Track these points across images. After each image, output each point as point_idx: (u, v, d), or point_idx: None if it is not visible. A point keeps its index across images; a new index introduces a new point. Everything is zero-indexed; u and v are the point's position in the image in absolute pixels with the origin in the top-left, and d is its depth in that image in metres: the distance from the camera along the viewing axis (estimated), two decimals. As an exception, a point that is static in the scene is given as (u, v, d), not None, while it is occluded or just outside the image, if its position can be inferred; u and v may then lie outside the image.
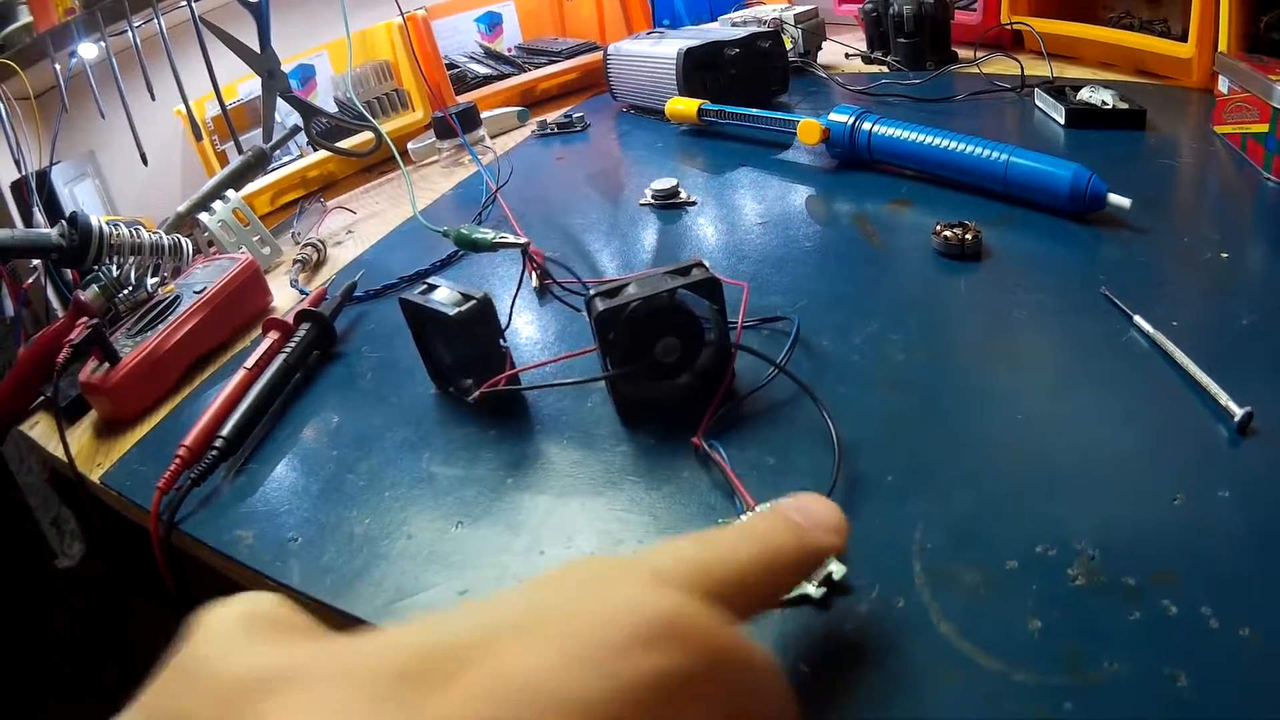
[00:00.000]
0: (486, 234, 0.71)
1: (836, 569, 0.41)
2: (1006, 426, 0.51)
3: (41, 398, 0.89)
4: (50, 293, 1.23)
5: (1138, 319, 0.57)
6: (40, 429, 0.85)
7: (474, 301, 0.59)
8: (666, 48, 1.20)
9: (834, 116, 0.92)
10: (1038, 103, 1.02)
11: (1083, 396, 0.52)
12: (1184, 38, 0.98)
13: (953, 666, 0.36)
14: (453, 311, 0.58)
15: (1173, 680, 0.34)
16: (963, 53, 1.28)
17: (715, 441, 0.52)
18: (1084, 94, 0.96)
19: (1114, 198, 0.70)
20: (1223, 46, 0.91)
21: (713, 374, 0.57)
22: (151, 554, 0.64)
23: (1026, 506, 0.44)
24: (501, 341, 0.62)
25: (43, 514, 1.28)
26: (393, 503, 0.56)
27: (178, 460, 0.63)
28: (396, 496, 0.57)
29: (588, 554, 0.48)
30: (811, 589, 0.41)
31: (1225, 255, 0.64)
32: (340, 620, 0.49)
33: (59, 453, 0.75)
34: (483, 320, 0.60)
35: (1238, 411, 0.46)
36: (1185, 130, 0.90)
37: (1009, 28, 1.24)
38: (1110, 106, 0.92)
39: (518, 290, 0.75)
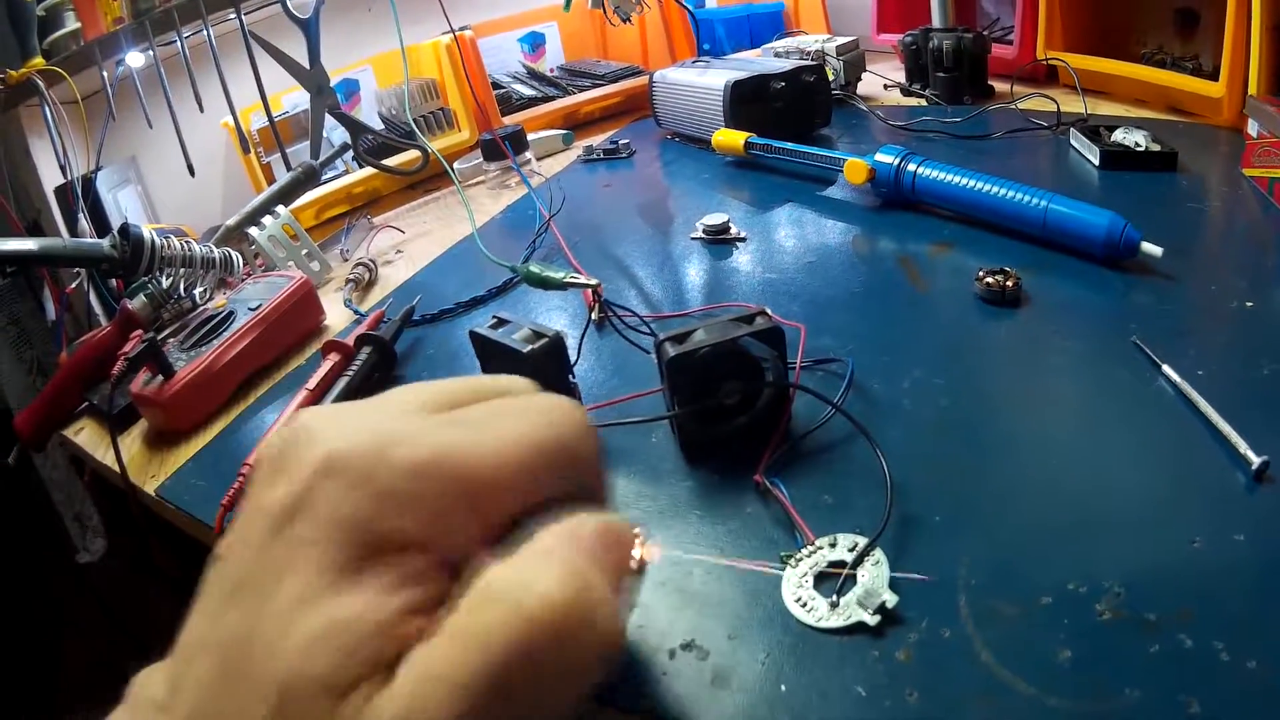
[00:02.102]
0: (557, 274, 0.74)
1: (890, 598, 0.46)
2: (1043, 470, 0.55)
3: (85, 404, 0.93)
4: (93, 298, 1.29)
5: (1166, 368, 0.60)
6: (86, 436, 0.89)
7: (546, 340, 0.62)
8: (712, 78, 1.24)
9: (880, 157, 0.95)
10: (1073, 142, 1.05)
11: (1113, 442, 0.56)
12: (1215, 75, 1.02)
13: (993, 692, 0.40)
14: (526, 349, 0.62)
15: (1185, 707, 0.38)
16: (999, 86, 1.32)
17: (776, 479, 0.56)
18: (1118, 135, 0.99)
19: (1146, 246, 0.74)
20: (1253, 86, 0.95)
21: (772, 414, 0.60)
22: (188, 557, 0.69)
23: (1060, 546, 0.48)
24: (571, 378, 0.66)
25: (65, 509, 1.34)
26: None
27: (241, 479, 0.67)
28: None
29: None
30: (868, 616, 0.45)
31: (1250, 304, 0.68)
32: None
33: (108, 460, 0.79)
34: (554, 358, 0.63)
35: (1255, 460, 0.50)
36: (1215, 172, 0.93)
37: (1044, 63, 1.27)
38: (1143, 148, 0.96)
39: (586, 328, 0.79)
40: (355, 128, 1.26)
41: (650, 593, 0.51)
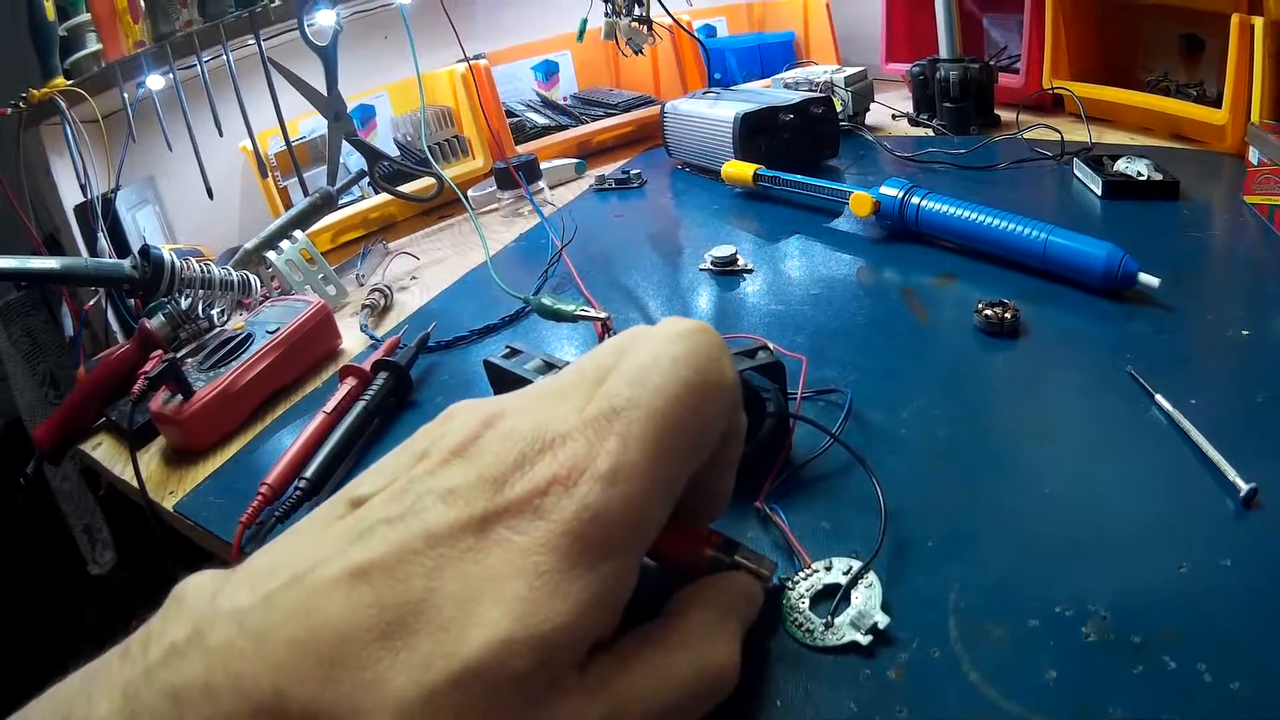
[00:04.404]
0: (568, 306, 0.77)
1: (882, 619, 0.48)
2: (1034, 498, 0.56)
3: (103, 419, 0.96)
4: (111, 316, 1.31)
5: (1159, 398, 0.61)
6: (103, 451, 0.92)
7: (557, 370, 0.65)
8: (723, 110, 1.26)
9: (885, 190, 0.97)
10: (1076, 172, 1.07)
11: (1104, 471, 0.58)
12: (1219, 101, 1.04)
13: (980, 711, 0.42)
14: (537, 380, 0.64)
15: None
16: (1005, 115, 1.34)
17: (776, 505, 0.58)
18: (1120, 165, 1.01)
19: (1144, 277, 0.75)
20: (1255, 113, 0.97)
21: (773, 444, 0.62)
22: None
23: (1048, 571, 0.50)
24: None
25: (75, 520, 1.36)
26: None
27: (260, 497, 0.70)
28: None
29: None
30: (860, 636, 0.47)
31: (1246, 333, 0.69)
32: None
33: (126, 475, 0.82)
34: None
35: (1243, 487, 0.52)
36: (1217, 199, 0.95)
37: (1051, 92, 1.30)
38: (1145, 178, 0.98)
39: None
40: (372, 154, 1.29)
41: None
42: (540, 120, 1.62)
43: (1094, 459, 0.60)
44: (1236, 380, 0.65)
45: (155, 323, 0.96)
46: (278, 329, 0.92)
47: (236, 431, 0.86)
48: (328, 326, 0.98)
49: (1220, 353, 0.69)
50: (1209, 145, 1.09)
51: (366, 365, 0.84)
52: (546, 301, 0.78)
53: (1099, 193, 1.00)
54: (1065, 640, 0.45)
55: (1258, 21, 0.95)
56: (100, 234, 1.34)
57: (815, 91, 1.37)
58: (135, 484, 0.78)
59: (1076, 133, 1.18)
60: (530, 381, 0.65)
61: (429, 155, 1.29)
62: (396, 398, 0.83)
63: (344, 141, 1.27)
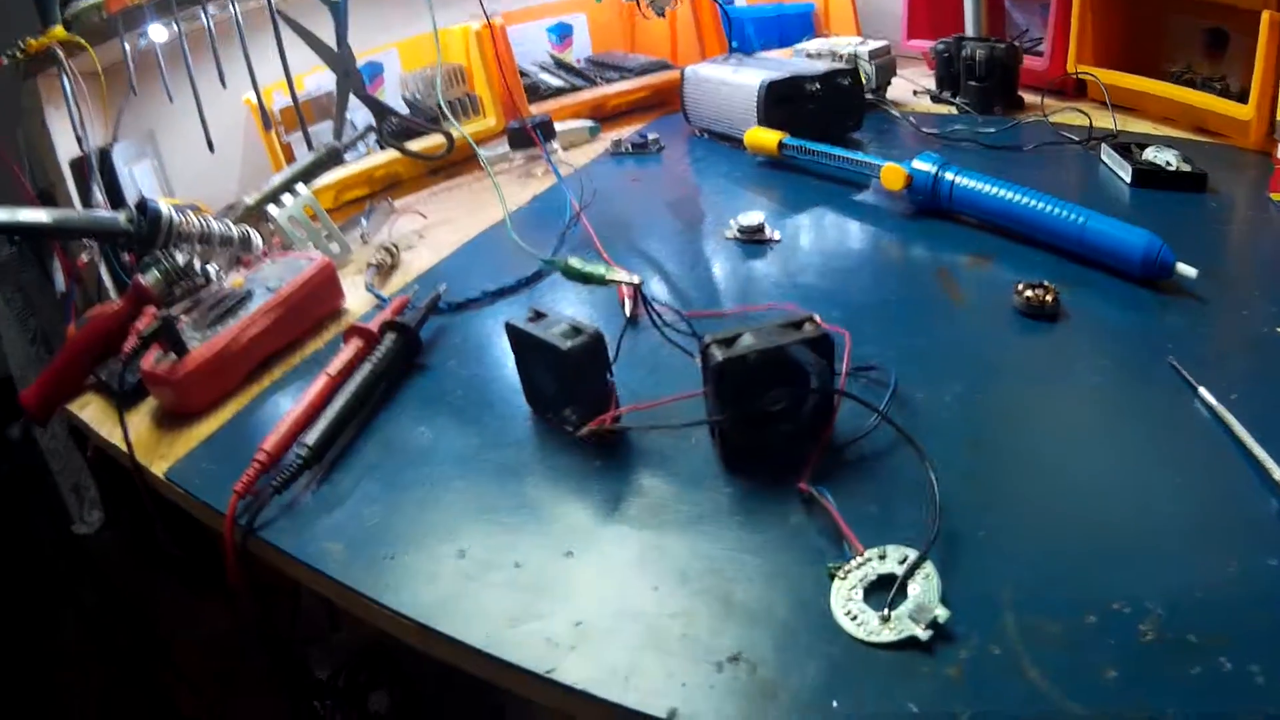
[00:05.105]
0: (598, 269, 0.72)
1: (941, 613, 0.45)
2: (1080, 489, 0.55)
3: (92, 379, 0.91)
4: (104, 272, 1.26)
5: (1202, 390, 0.60)
6: (92, 412, 0.87)
7: (586, 336, 0.61)
8: (747, 77, 1.22)
9: (918, 164, 0.95)
10: (1104, 158, 1.04)
11: (1151, 463, 0.57)
12: (1242, 97, 1.02)
13: (1042, 711, 0.40)
14: (565, 345, 0.60)
15: None
16: (1028, 98, 1.31)
17: (823, 488, 0.55)
18: (1149, 153, 0.99)
19: (1182, 267, 0.74)
20: None
21: (816, 422, 0.59)
22: (198, 547, 0.67)
23: (1100, 565, 0.48)
24: (608, 376, 0.65)
25: (63, 479, 1.32)
26: (495, 527, 0.58)
27: (257, 464, 0.65)
28: (499, 521, 0.59)
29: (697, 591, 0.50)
30: (920, 631, 0.45)
31: (1279, 330, 0.68)
32: (442, 643, 0.51)
33: (114, 438, 0.78)
34: (594, 356, 0.62)
35: None
36: (1242, 195, 0.94)
37: (1074, 77, 1.26)
38: (1174, 168, 0.96)
39: (625, 327, 0.77)
40: (380, 110, 1.25)
41: (692, 600, 0.50)
42: (554, 82, 1.57)
43: (1139, 451, 0.59)
44: (1276, 378, 0.64)
45: (149, 279, 0.90)
46: (278, 286, 0.88)
47: (233, 394, 0.82)
48: (331, 285, 0.94)
49: (1258, 349, 0.68)
50: (1232, 140, 1.07)
51: (373, 325, 0.79)
52: (575, 263, 0.73)
53: (1128, 180, 0.98)
54: (1123, 639, 0.43)
55: (1287, 19, 0.94)
56: (95, 188, 1.29)
57: (840, 63, 1.33)
58: (124, 447, 0.74)
59: (1099, 119, 1.15)
60: (556, 347, 0.60)
61: (445, 109, 1.24)
62: (405, 360, 0.79)
63: (351, 97, 1.23)
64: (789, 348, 0.56)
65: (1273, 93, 0.97)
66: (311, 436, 0.67)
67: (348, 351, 0.77)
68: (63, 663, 1.28)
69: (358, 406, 0.72)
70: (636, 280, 0.69)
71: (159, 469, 0.73)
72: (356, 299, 0.97)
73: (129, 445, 0.74)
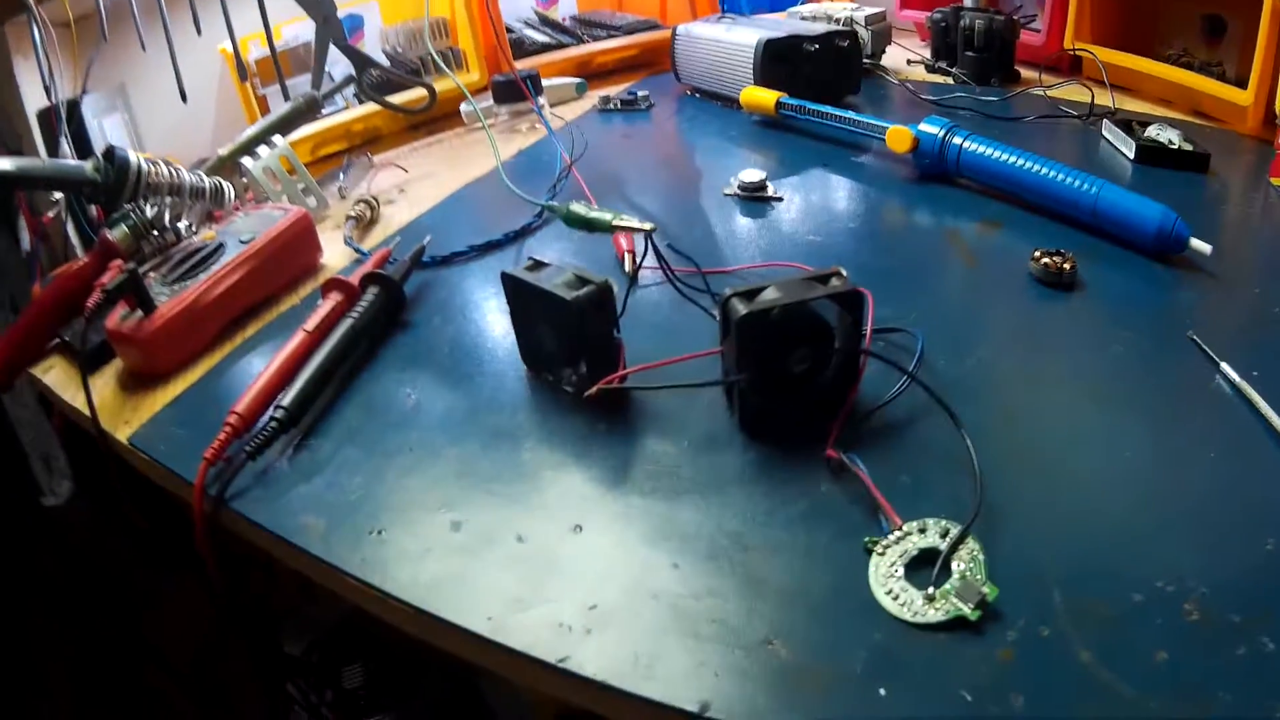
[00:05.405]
0: (604, 215, 0.66)
1: (990, 590, 0.42)
2: (1113, 463, 0.53)
3: (57, 341, 0.85)
4: (70, 229, 1.20)
5: (1224, 366, 0.58)
6: (55, 375, 0.81)
7: (593, 287, 0.56)
8: (742, 35, 1.19)
9: (924, 127, 0.92)
10: (1105, 134, 1.03)
11: (1179, 437, 0.55)
12: (1238, 83, 1.02)
13: (1097, 698, 0.38)
14: (570, 296, 0.55)
15: (1271, 712, 0.37)
16: (1024, 73, 1.30)
17: (854, 455, 0.51)
18: (1152, 131, 0.98)
19: (1196, 243, 0.73)
20: None
21: (840, 385, 0.55)
22: (166, 516, 0.61)
23: (1138, 541, 0.47)
24: (615, 332, 0.60)
25: (33, 449, 1.26)
26: (493, 498, 0.53)
27: (228, 428, 0.60)
28: (498, 491, 0.54)
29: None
30: (968, 611, 0.41)
31: None
32: (439, 629, 0.46)
33: (78, 403, 0.72)
34: (601, 309, 0.57)
35: None
36: (1241, 178, 0.93)
37: (1071, 53, 1.26)
38: (1177, 147, 0.95)
39: (633, 279, 0.72)
40: (361, 61, 1.19)
41: (717, 579, 0.46)
42: (539, 38, 1.53)
43: (1166, 425, 0.57)
44: None
45: (117, 234, 0.85)
46: (252, 238, 0.82)
47: (203, 353, 0.76)
48: (308, 237, 0.88)
49: (1273, 328, 0.66)
50: (1228, 125, 1.06)
51: (354, 279, 0.74)
52: (578, 209, 0.67)
53: (1131, 156, 0.96)
54: (1170, 619, 0.42)
55: (1291, 9, 0.93)
56: (63, 139, 1.23)
57: (837, 26, 1.29)
58: (87, 411, 0.68)
59: (1097, 97, 1.13)
60: (560, 298, 0.55)
61: (435, 58, 1.20)
62: (388, 317, 0.74)
63: (331, 48, 1.16)
64: (817, 303, 0.52)
65: (1272, 80, 0.96)
66: (287, 397, 0.62)
67: (326, 306, 0.72)
68: (31, 639, 1.23)
69: (338, 363, 0.67)
70: (649, 227, 0.64)
71: (123, 435, 0.67)
72: (334, 254, 0.92)
73: (92, 409, 0.68)
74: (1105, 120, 1.04)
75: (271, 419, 0.60)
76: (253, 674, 1.04)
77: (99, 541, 1.15)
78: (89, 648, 1.22)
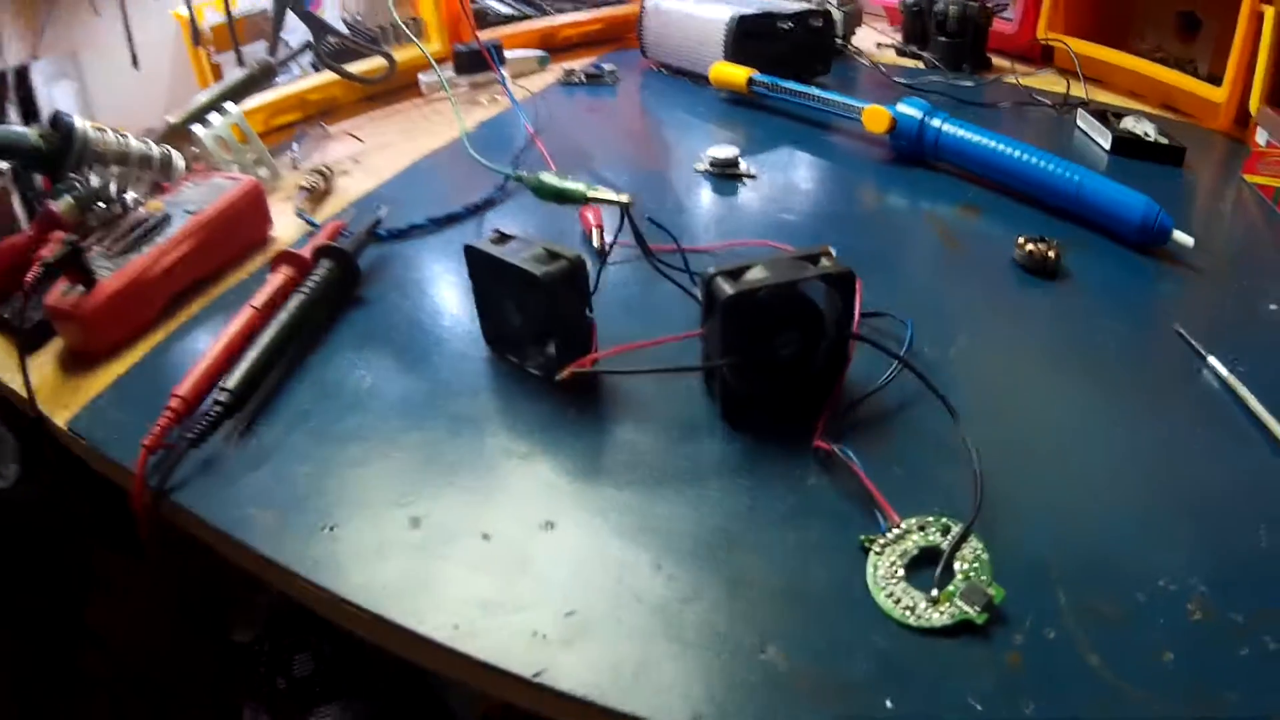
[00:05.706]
0: (576, 185, 0.62)
1: (996, 591, 0.41)
2: (1103, 456, 0.52)
3: None
4: (16, 201, 1.16)
5: (1211, 359, 0.59)
6: None
7: (565, 262, 0.52)
8: (714, 11, 1.16)
9: (903, 109, 0.91)
10: (1080, 124, 1.04)
11: (1169, 431, 0.54)
12: (1210, 80, 1.04)
13: (1108, 702, 0.37)
14: (540, 271, 0.51)
15: (1277, 712, 0.37)
16: (996, 61, 1.30)
17: (845, 447, 0.48)
18: (1128, 123, 0.98)
19: (1179, 235, 0.73)
20: (1255, 95, 0.96)
21: (828, 371, 0.52)
22: (108, 499, 0.57)
23: (1137, 538, 0.46)
24: (588, 312, 0.56)
25: (-18, 434, 1.21)
26: (456, 490, 0.49)
27: (170, 412, 0.55)
28: (461, 483, 0.50)
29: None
30: (974, 613, 0.40)
31: (1274, 307, 0.67)
32: (400, 636, 0.42)
33: (16, 385, 0.67)
34: (573, 286, 0.53)
35: None
36: (1213, 173, 0.95)
37: (1044, 43, 1.27)
38: (1153, 139, 0.96)
39: (607, 254, 0.68)
40: (319, 27, 1.14)
41: (704, 580, 0.43)
42: (503, 10, 1.49)
43: (1155, 418, 0.56)
44: (1276, 351, 0.63)
45: (61, 205, 0.80)
46: (199, 209, 0.77)
47: (147, 331, 0.71)
48: (258, 208, 0.83)
49: (1256, 323, 0.67)
50: (1199, 121, 1.08)
51: (305, 252, 0.70)
52: (549, 179, 0.63)
53: (1107, 147, 0.98)
54: (1173, 619, 0.41)
55: (1268, 10, 0.95)
56: (10, 106, 1.20)
57: (810, 4, 1.28)
58: (25, 394, 0.63)
59: (1070, 87, 1.15)
60: (529, 273, 0.51)
61: (400, 24, 1.16)
62: (341, 291, 0.69)
63: (288, 14, 1.12)
64: (807, 284, 0.48)
65: (1245, 78, 0.98)
66: (232, 379, 0.57)
67: (276, 280, 0.68)
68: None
69: (286, 344, 0.62)
70: (626, 199, 0.59)
71: (62, 419, 0.62)
72: (285, 227, 0.87)
73: (30, 392, 0.63)
74: (1080, 110, 1.05)
75: (216, 401, 0.55)
76: (200, 663, 1.00)
77: (45, 525, 1.11)
78: (27, 634, 1.18)
